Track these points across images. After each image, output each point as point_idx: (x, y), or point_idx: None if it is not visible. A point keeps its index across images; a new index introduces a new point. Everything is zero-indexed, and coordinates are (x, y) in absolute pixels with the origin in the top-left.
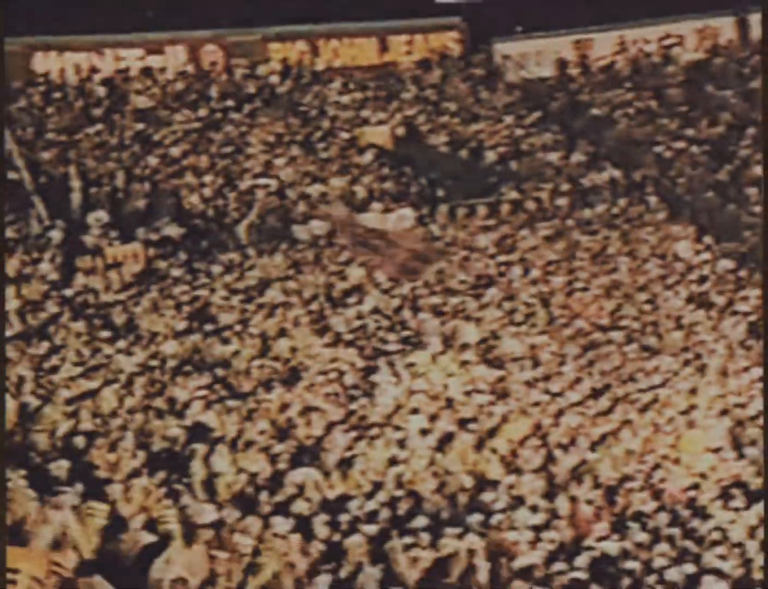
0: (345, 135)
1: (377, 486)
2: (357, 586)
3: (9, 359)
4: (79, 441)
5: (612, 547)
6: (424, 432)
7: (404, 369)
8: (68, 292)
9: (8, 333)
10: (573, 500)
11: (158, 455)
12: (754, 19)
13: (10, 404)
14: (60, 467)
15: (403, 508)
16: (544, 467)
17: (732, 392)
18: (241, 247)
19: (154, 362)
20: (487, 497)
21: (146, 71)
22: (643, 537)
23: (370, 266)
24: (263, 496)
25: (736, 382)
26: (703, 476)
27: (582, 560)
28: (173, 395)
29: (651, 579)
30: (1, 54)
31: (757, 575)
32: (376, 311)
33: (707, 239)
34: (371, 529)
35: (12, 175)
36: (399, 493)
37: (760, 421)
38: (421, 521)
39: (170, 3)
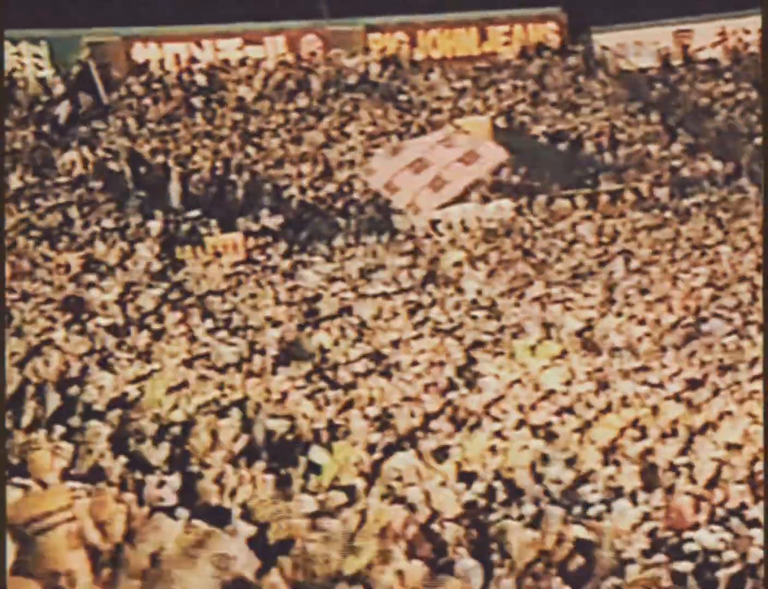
0: (444, 125)
1: (475, 476)
2: (456, 575)
3: (107, 348)
4: (178, 429)
5: (711, 539)
6: (523, 422)
7: (503, 359)
8: (168, 282)
9: (107, 322)
10: (672, 491)
11: (257, 445)
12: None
13: (112, 392)
14: (159, 455)
15: (501, 498)
16: (643, 458)
17: None
18: (341, 236)
19: (253, 352)
20: (586, 487)
21: (245, 62)
22: (741, 529)
23: None
24: (361, 485)
25: None
26: None
27: (681, 552)
28: (272, 384)
29: (748, 571)
30: (1, 52)
31: None
32: (475, 300)
33: None
34: (468, 518)
35: (112, 165)
36: (497, 483)
37: None
38: (525, 510)
39: None
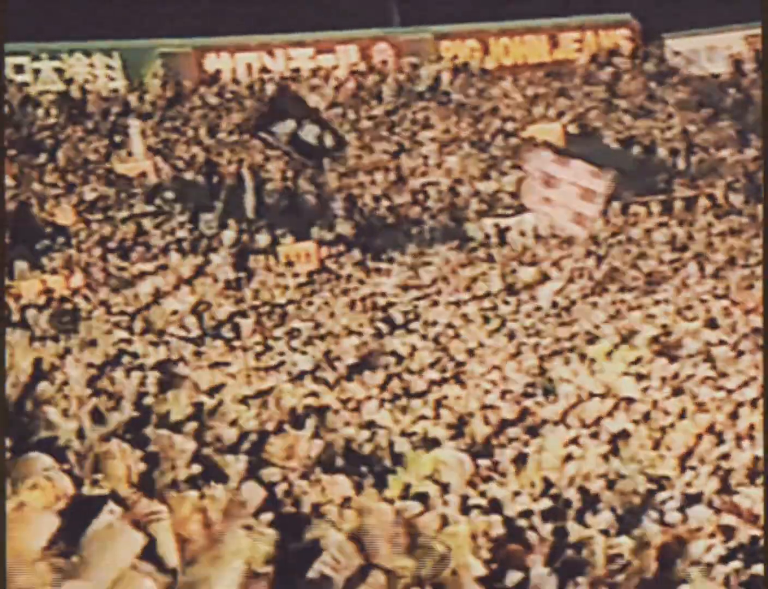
0: (516, 132)
1: (550, 484)
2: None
3: (184, 358)
4: (255, 437)
5: None
6: (598, 429)
7: (579, 365)
8: (242, 291)
9: (184, 334)
10: (749, 497)
11: (333, 453)
12: None
13: (186, 401)
14: (236, 463)
15: (576, 505)
16: (719, 465)
17: None
18: (415, 244)
19: (328, 361)
20: (662, 494)
21: (317, 71)
22: None
23: None
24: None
25: None
26: None
27: (755, 558)
28: (348, 393)
29: None
30: (1, 57)
31: None
32: (549, 307)
33: None
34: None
35: (186, 175)
36: (572, 491)
37: None
38: (601, 518)
39: (340, 2)
